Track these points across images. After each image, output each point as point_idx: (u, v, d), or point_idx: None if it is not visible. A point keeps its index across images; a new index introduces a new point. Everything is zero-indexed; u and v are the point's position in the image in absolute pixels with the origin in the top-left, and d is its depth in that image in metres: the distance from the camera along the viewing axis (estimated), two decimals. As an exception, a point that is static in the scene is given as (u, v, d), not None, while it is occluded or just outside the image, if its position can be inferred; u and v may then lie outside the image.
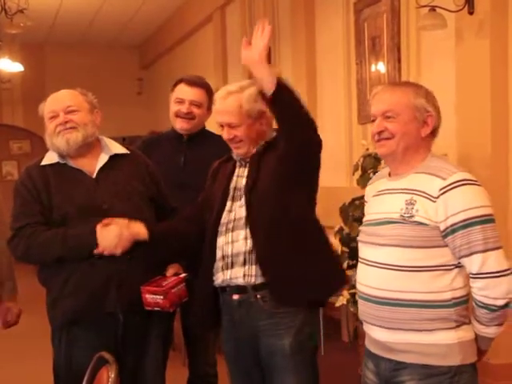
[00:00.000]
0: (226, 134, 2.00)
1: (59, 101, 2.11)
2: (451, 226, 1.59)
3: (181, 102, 2.57)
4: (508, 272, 1.60)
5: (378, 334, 1.69)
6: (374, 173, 3.30)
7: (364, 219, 1.80)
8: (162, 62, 8.82)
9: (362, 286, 1.73)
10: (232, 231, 1.97)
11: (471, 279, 1.62)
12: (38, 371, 2.95)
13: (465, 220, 1.57)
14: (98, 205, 2.04)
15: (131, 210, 2.06)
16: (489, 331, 1.65)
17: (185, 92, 2.57)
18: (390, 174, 1.76)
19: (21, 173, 2.17)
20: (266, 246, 1.91)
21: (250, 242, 1.93)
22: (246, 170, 2.02)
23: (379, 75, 3.99)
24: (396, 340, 1.65)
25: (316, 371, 1.99)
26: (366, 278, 1.71)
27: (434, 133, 1.70)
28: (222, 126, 2.01)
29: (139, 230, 2.00)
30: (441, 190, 1.59)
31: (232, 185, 2.03)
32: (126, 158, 2.16)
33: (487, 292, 1.59)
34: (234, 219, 1.98)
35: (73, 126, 2.06)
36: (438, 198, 1.59)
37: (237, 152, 2.04)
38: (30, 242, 2.02)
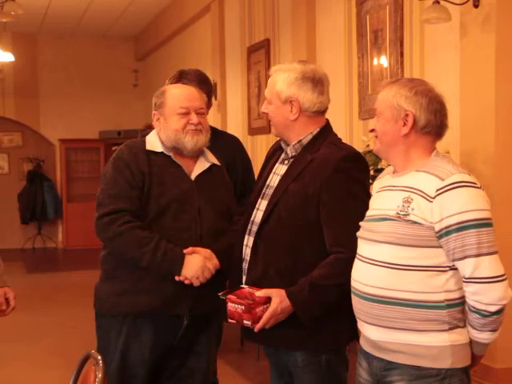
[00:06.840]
0: (262, 107, 1.97)
1: (193, 99, 2.06)
2: (446, 227, 1.57)
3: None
4: (502, 278, 1.58)
5: (370, 333, 1.68)
6: (375, 170, 3.24)
7: (366, 214, 1.78)
8: (159, 53, 8.73)
9: (356, 282, 1.71)
10: (249, 234, 1.92)
11: (464, 283, 1.60)
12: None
13: (459, 223, 1.56)
14: (194, 208, 2.02)
15: (216, 220, 2.07)
16: (482, 336, 1.62)
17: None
18: (394, 171, 1.75)
19: (122, 149, 2.04)
20: (260, 267, 1.85)
21: (248, 251, 1.88)
22: (284, 170, 1.94)
23: (381, 69, 3.93)
24: (387, 339, 1.64)
25: None
26: (360, 275, 1.69)
27: (426, 131, 1.66)
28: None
29: (216, 261, 1.99)
30: (438, 190, 1.58)
31: (267, 181, 1.97)
32: (216, 167, 2.15)
33: (479, 297, 1.57)
34: (253, 221, 1.93)
35: (200, 129, 2.05)
36: (434, 198, 1.58)
37: (272, 131, 1.99)
38: (124, 232, 1.93)
